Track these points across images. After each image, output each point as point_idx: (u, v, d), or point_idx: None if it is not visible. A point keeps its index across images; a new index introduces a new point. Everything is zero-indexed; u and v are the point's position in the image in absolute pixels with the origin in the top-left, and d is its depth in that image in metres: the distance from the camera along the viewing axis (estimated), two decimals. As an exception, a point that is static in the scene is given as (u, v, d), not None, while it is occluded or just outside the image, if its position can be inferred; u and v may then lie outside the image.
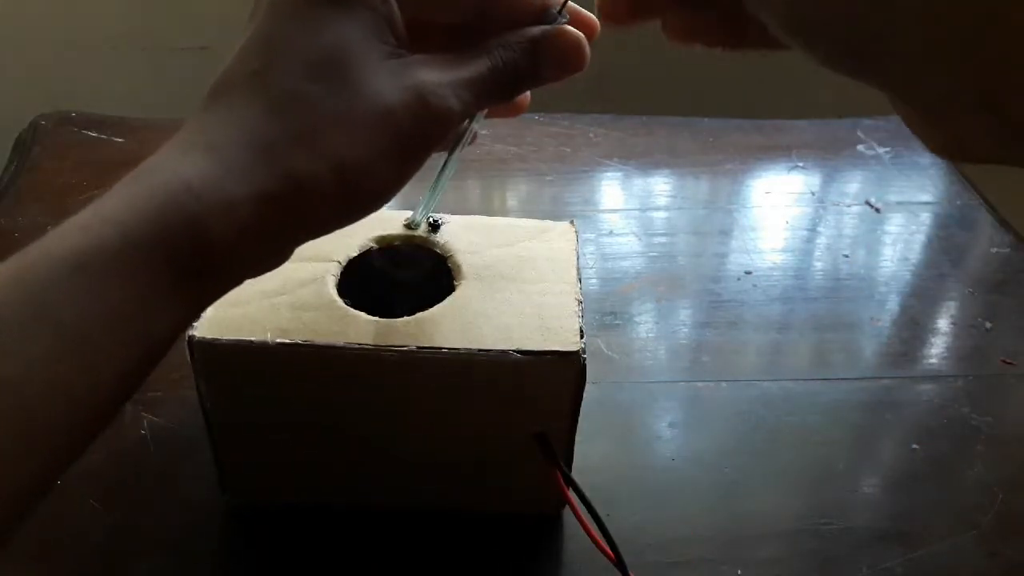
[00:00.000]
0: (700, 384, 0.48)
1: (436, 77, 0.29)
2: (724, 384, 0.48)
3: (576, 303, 0.37)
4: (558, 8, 0.33)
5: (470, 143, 0.37)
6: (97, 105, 0.68)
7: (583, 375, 0.35)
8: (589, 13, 0.33)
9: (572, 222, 0.43)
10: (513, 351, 0.34)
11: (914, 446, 0.45)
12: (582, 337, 0.35)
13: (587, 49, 0.32)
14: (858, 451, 0.45)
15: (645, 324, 0.52)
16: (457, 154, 0.37)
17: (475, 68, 0.30)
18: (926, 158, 0.69)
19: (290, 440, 0.38)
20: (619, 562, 0.34)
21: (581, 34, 0.32)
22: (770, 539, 0.40)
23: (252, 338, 0.34)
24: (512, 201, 0.64)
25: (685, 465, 0.43)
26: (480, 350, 0.34)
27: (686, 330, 0.52)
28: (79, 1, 0.99)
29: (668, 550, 0.35)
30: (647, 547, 0.39)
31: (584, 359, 0.35)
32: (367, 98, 0.28)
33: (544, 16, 0.32)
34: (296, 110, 0.27)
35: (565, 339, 0.35)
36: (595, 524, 0.35)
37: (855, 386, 0.48)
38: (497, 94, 0.31)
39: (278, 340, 0.34)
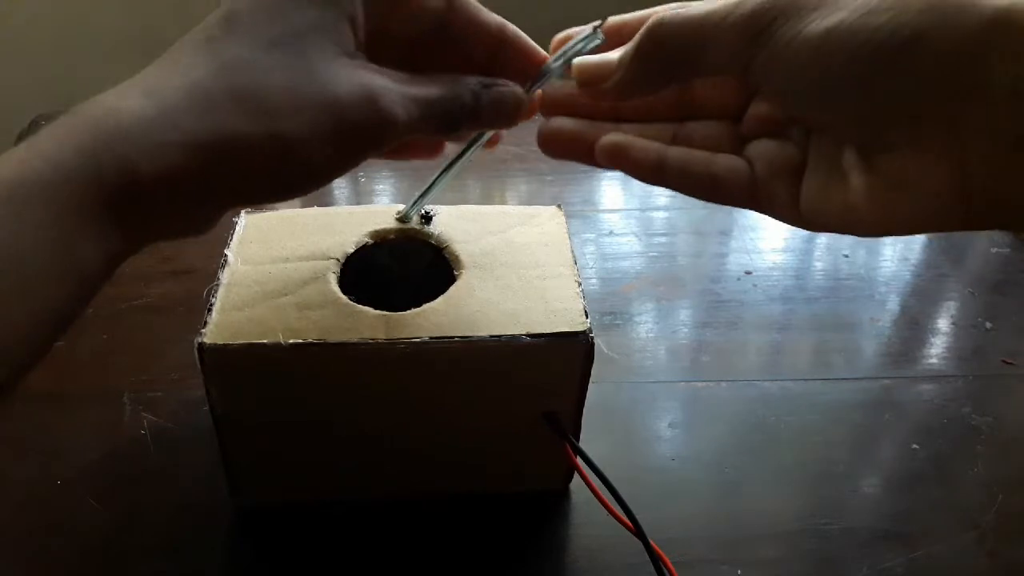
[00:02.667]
0: (700, 384, 0.48)
1: (389, 85, 0.30)
2: (724, 384, 0.48)
3: (576, 284, 0.38)
4: (593, 28, 0.34)
5: (483, 146, 0.37)
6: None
7: (591, 353, 0.36)
8: (567, 85, 0.34)
9: (559, 206, 0.43)
10: (524, 335, 0.35)
11: (914, 446, 0.45)
12: (587, 316, 0.36)
13: (523, 109, 0.34)
14: (858, 451, 0.45)
15: (645, 324, 0.52)
16: (465, 159, 0.37)
17: (426, 90, 0.31)
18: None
19: (301, 439, 0.38)
20: (639, 532, 0.35)
21: (522, 95, 0.34)
22: (770, 539, 0.40)
23: (264, 340, 0.34)
24: (512, 201, 0.64)
25: (685, 465, 0.43)
26: (491, 336, 0.35)
27: (686, 330, 0.52)
28: (79, 1, 0.99)
29: (668, 550, 0.35)
30: (647, 547, 0.39)
31: (592, 337, 0.35)
32: (319, 82, 0.28)
33: (541, 70, 0.34)
34: (244, 72, 0.27)
35: (572, 320, 0.36)
36: (610, 495, 0.35)
37: (855, 386, 0.48)
38: (438, 121, 0.31)
39: (291, 341, 0.34)
